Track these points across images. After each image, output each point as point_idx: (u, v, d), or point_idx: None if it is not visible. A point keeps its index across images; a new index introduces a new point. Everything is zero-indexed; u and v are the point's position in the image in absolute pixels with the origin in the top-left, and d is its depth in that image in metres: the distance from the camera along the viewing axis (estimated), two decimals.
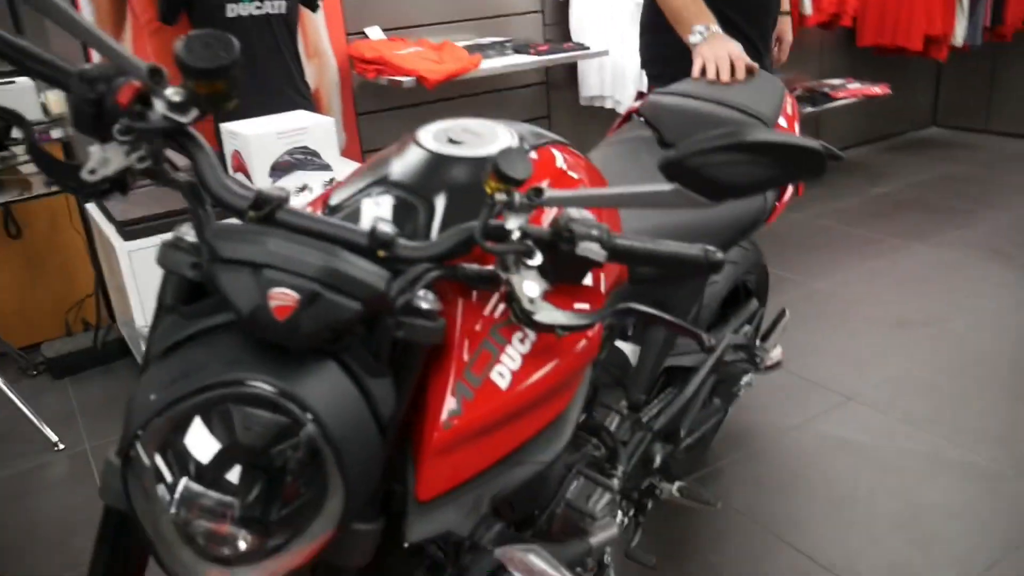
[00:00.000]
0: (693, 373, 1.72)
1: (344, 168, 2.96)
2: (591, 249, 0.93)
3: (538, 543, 1.28)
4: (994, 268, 3.40)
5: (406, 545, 0.99)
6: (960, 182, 4.49)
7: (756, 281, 2.17)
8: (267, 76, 3.13)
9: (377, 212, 1.00)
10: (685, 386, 1.69)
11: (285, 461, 0.84)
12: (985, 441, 2.31)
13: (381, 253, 0.89)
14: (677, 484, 1.72)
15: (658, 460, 1.65)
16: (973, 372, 2.66)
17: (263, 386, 0.83)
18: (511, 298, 0.92)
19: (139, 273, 2.55)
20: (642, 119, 1.79)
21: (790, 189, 1.81)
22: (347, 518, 0.87)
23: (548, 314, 0.94)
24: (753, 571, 1.92)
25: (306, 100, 3.29)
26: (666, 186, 0.90)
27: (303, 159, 3.05)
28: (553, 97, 4.11)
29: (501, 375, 0.97)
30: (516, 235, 0.91)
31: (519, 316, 0.93)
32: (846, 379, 2.67)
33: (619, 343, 1.68)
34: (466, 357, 0.96)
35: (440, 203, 1.01)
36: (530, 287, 0.91)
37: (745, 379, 2.08)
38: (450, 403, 0.94)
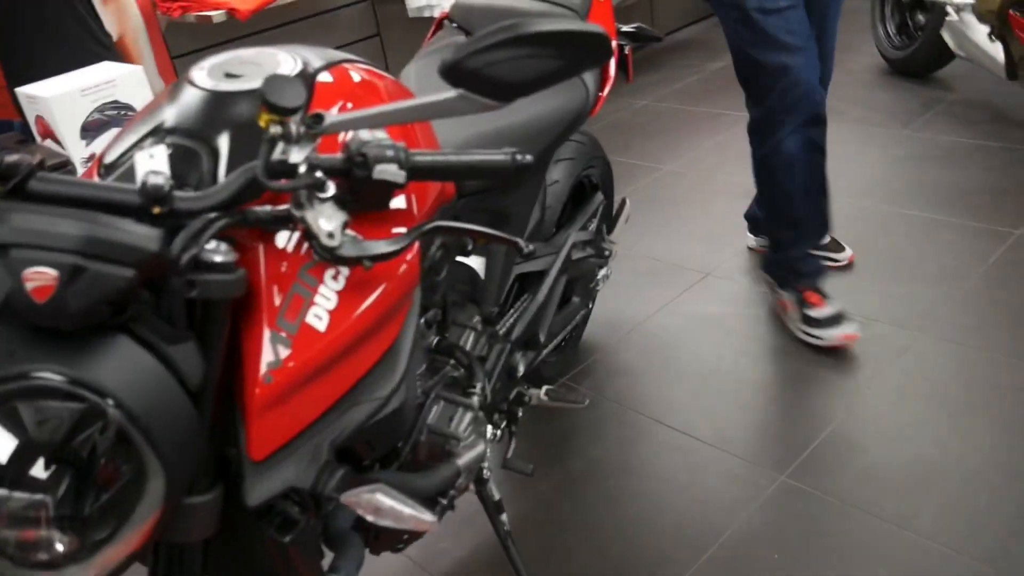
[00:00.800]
0: (544, 277, 1.71)
1: None
2: (389, 171, 0.88)
3: (405, 473, 1.27)
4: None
5: (249, 508, 0.95)
6: None
7: (599, 175, 2.16)
8: (60, 30, 2.85)
9: (151, 165, 0.91)
10: (537, 291, 1.68)
11: (91, 449, 0.77)
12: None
13: (156, 210, 0.81)
14: (545, 388, 1.72)
15: (521, 368, 1.65)
16: None
17: (51, 376, 0.75)
18: (310, 236, 0.86)
19: None
20: (454, 24, 1.72)
21: (611, 78, 1.79)
22: (172, 496, 0.81)
23: (352, 246, 0.89)
24: (634, 456, 1.98)
25: (109, 51, 3.03)
26: (451, 93, 0.85)
27: (116, 115, 2.82)
28: (380, 13, 3.93)
29: (318, 317, 0.92)
30: (303, 168, 0.85)
31: (321, 253, 0.87)
32: (702, 256, 2.74)
33: (464, 259, 1.64)
34: (277, 304, 0.90)
35: (223, 145, 0.93)
36: (327, 221, 0.86)
37: (601, 273, 2.10)
38: (267, 355, 0.89)
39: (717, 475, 1.88)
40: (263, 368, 0.88)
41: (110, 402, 0.76)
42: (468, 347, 1.51)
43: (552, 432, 2.10)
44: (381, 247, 0.89)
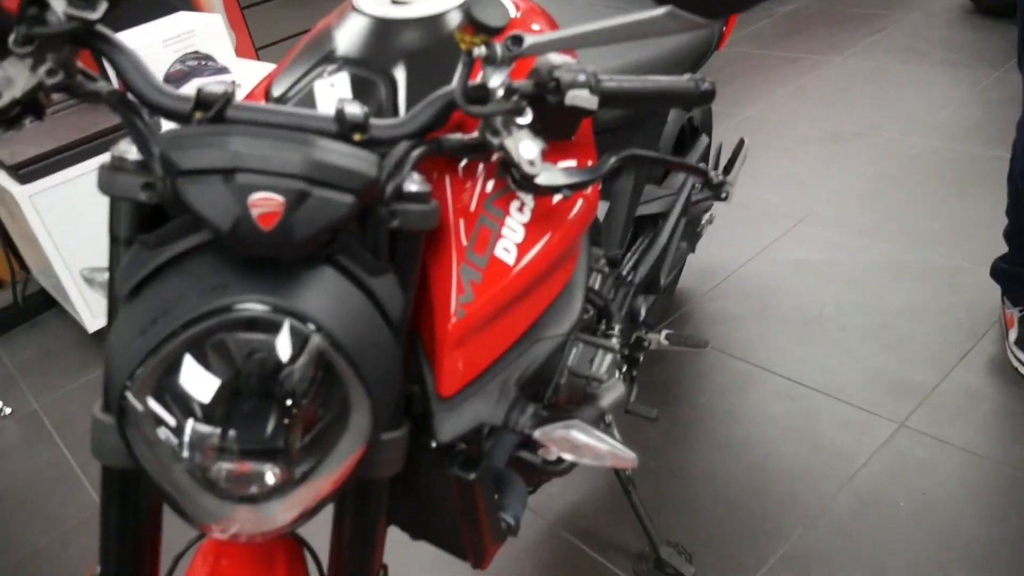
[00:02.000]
0: (662, 219, 1.67)
1: (243, 68, 2.73)
2: (582, 96, 0.84)
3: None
4: (913, 69, 3.41)
5: (434, 446, 0.93)
6: None
7: (700, 117, 2.10)
8: None
9: (335, 93, 0.88)
10: (658, 233, 1.64)
11: (298, 382, 0.75)
12: (938, 240, 2.36)
13: (358, 137, 0.78)
14: (664, 332, 1.69)
15: (643, 312, 1.62)
16: (913, 174, 2.69)
17: (257, 307, 0.73)
18: (508, 164, 0.83)
19: (46, 217, 2.34)
20: None
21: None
22: (377, 429, 0.80)
23: (550, 175, 0.85)
24: (742, 403, 1.95)
25: (183, 1, 3.01)
26: (659, 10, 0.80)
27: (197, 65, 2.80)
28: None
29: (506, 250, 0.89)
30: (500, 93, 0.81)
31: (519, 182, 0.84)
32: (793, 202, 2.67)
33: None
34: (465, 238, 0.88)
35: (401, 74, 0.90)
36: (527, 148, 0.82)
37: (706, 217, 2.05)
38: (459, 290, 0.86)
39: (831, 422, 1.85)
40: (454, 303, 0.86)
41: (315, 330, 0.74)
42: (601, 290, 1.48)
43: (655, 380, 2.07)
44: (580, 175, 0.86)
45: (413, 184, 0.81)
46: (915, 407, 1.84)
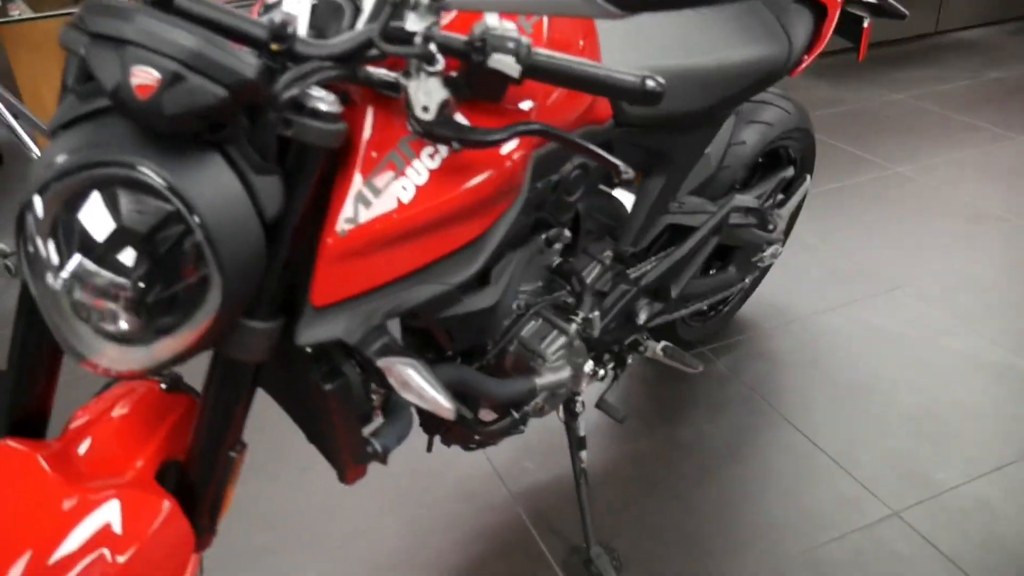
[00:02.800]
0: (691, 232, 1.64)
1: None
2: (504, 62, 0.87)
3: (480, 373, 1.28)
4: None
5: (303, 347, 1.00)
6: None
7: (799, 149, 2.02)
8: None
9: (296, 9, 0.95)
10: (680, 244, 1.61)
11: (167, 249, 0.84)
12: None
13: (275, 47, 0.85)
14: (663, 344, 1.67)
15: (643, 316, 1.60)
16: None
17: (152, 176, 0.82)
18: (407, 106, 0.87)
19: None
20: None
21: (824, 41, 1.65)
22: (225, 310, 0.87)
23: (446, 126, 0.89)
24: (747, 442, 1.89)
25: None
26: None
27: None
28: None
29: (404, 188, 0.93)
30: (419, 39, 0.85)
31: (412, 124, 0.88)
32: (901, 267, 2.51)
33: (617, 192, 1.60)
34: (370, 166, 0.93)
35: (367, 3, 0.95)
36: (426, 95, 0.86)
37: (769, 250, 1.98)
38: (347, 210, 0.92)
39: (827, 490, 1.76)
40: (340, 221, 0.91)
41: (196, 219, 0.81)
42: (590, 279, 1.48)
43: (671, 394, 2.04)
44: (469, 133, 0.89)
45: (323, 103, 0.86)
46: (919, 501, 1.72)
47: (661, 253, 1.63)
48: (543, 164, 1.14)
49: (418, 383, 1.00)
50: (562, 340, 1.33)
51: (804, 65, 1.63)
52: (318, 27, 0.93)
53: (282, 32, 0.84)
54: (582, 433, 1.60)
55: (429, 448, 1.47)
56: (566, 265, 1.41)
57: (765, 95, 1.89)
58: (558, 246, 1.41)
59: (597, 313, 1.48)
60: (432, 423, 1.43)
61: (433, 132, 0.87)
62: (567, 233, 1.42)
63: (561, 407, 1.60)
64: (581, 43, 1.19)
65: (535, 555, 1.64)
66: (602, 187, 1.44)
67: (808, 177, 1.86)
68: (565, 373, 1.34)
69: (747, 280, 1.99)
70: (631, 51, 1.39)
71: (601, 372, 1.62)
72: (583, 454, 1.60)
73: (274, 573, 1.62)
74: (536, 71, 0.88)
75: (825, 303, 2.36)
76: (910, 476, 1.78)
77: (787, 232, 2.19)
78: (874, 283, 2.44)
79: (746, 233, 1.74)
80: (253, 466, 1.84)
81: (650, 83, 0.91)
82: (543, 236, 1.32)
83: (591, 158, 0.99)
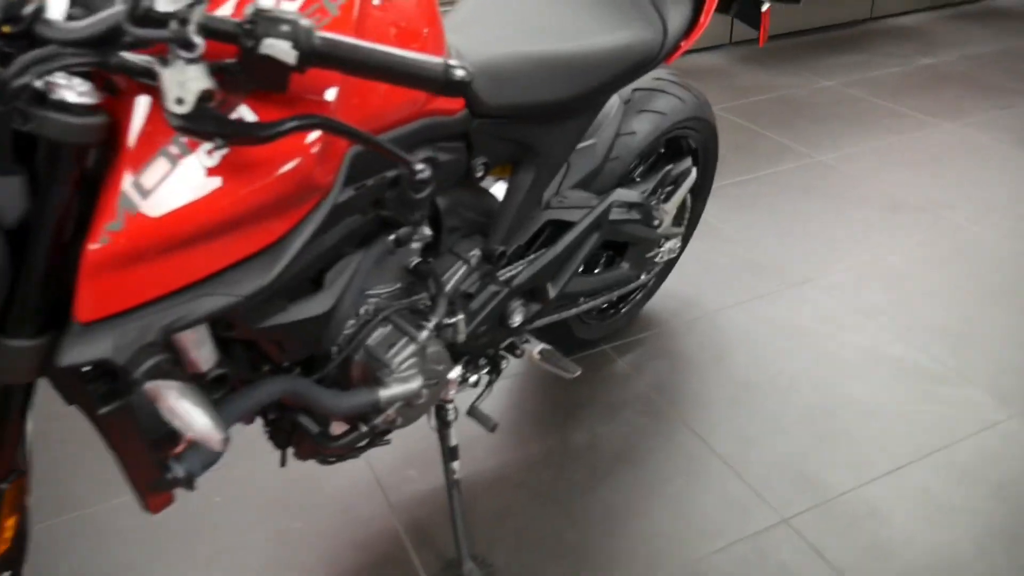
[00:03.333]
0: (569, 228, 1.55)
1: None
2: (279, 48, 0.77)
3: (317, 385, 1.19)
4: (1022, 157, 3.06)
5: (82, 372, 0.90)
6: (1018, 59, 4.02)
7: (700, 141, 1.95)
8: None
9: None
10: (555, 241, 1.53)
11: None
12: (939, 342, 2.11)
13: (6, 28, 0.74)
14: (540, 347, 1.59)
15: (517, 319, 1.52)
16: (954, 267, 2.42)
17: None
18: (161, 96, 0.77)
19: None
20: None
21: (702, 27, 1.57)
22: None
23: (207, 120, 0.79)
24: (641, 446, 1.82)
25: None
26: None
27: None
28: None
29: (179, 189, 0.83)
30: (174, 22, 0.75)
31: (168, 118, 0.78)
32: (813, 259, 2.46)
33: (496, 187, 1.52)
34: (138, 164, 0.82)
35: None
36: (180, 85, 0.76)
37: (667, 246, 1.91)
38: (110, 216, 0.81)
39: (717, 495, 1.69)
40: (103, 229, 0.81)
41: None
42: (454, 280, 1.39)
43: (569, 395, 1.96)
44: (240, 128, 0.79)
45: (70, 93, 0.76)
46: (809, 506, 1.66)
47: (531, 254, 1.54)
48: (364, 160, 1.04)
49: (185, 408, 0.90)
50: (411, 348, 1.24)
51: (681, 51, 1.55)
52: (87, 6, 0.83)
53: (15, 11, 0.73)
54: (454, 442, 1.52)
55: (283, 463, 1.37)
56: (423, 266, 1.32)
57: (659, 83, 1.80)
58: (416, 245, 1.32)
59: (462, 317, 1.40)
60: (280, 437, 1.34)
61: (189, 127, 0.77)
62: (427, 231, 1.33)
63: (433, 415, 1.51)
64: (425, 31, 1.10)
65: (409, 571, 1.56)
66: (482, 181, 1.34)
67: (693, 169, 1.79)
68: (415, 384, 1.25)
69: (644, 277, 1.91)
70: (488, 37, 1.30)
71: (474, 378, 1.53)
72: (455, 465, 1.52)
73: None
74: (319, 58, 0.78)
75: (734, 297, 2.30)
76: (802, 479, 1.72)
77: (692, 225, 2.12)
78: (785, 276, 2.39)
79: (631, 229, 1.66)
80: (115, 480, 1.73)
81: (457, 72, 0.82)
82: (391, 237, 1.23)
83: (380, 152, 0.90)
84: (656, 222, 1.67)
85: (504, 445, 1.83)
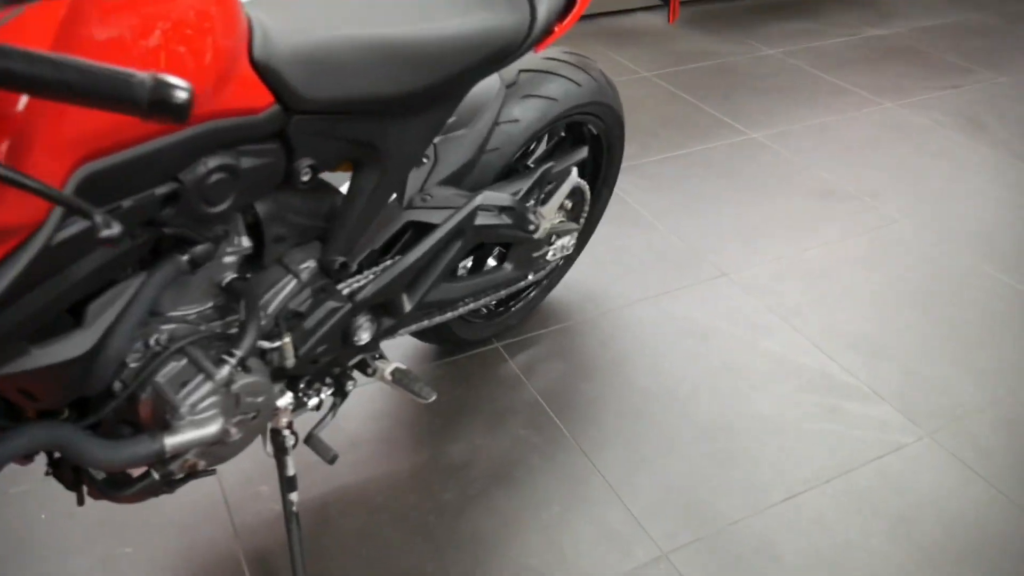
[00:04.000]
0: (428, 233, 1.37)
1: None
2: None
3: (86, 432, 1.01)
4: (963, 141, 2.92)
5: None
6: (972, 34, 3.87)
7: (603, 129, 1.76)
8: None
9: None
10: (408, 250, 1.34)
11: None
12: (853, 351, 1.98)
13: None
14: (393, 367, 1.41)
15: (363, 336, 1.34)
16: (878, 266, 2.28)
17: None
18: None
19: None
20: None
21: (577, 14, 1.37)
22: None
23: None
24: (521, 464, 1.66)
25: None
26: None
27: None
28: None
29: None
30: None
31: None
32: (732, 250, 2.30)
33: (343, 186, 1.32)
34: None
35: None
36: None
37: (557, 244, 1.73)
38: None
39: (595, 526, 1.55)
40: None
41: None
42: (280, 298, 1.21)
43: (450, 402, 1.80)
44: None
45: None
46: (694, 540, 1.52)
47: (384, 262, 1.35)
48: (114, 178, 0.84)
49: None
50: (207, 387, 1.06)
51: (555, 36, 1.35)
52: None
53: None
54: (292, 472, 1.35)
55: (80, 502, 1.19)
56: (238, 283, 1.14)
57: (550, 63, 1.61)
58: (229, 259, 1.13)
59: (288, 339, 1.21)
60: (66, 479, 1.15)
61: None
62: (244, 242, 1.14)
63: (268, 441, 1.34)
64: (212, 9, 0.89)
65: None
66: (311, 184, 1.14)
67: (573, 170, 1.60)
68: (212, 427, 1.07)
69: (533, 277, 1.74)
70: (309, 16, 1.09)
71: (313, 401, 1.35)
72: (294, 496, 1.35)
73: None
74: None
75: (643, 291, 2.14)
76: (691, 507, 1.58)
77: (594, 219, 1.95)
78: (700, 269, 2.23)
79: (503, 233, 1.47)
80: None
81: (177, 94, 0.63)
82: (184, 256, 1.03)
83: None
84: (532, 227, 1.49)
85: (369, 459, 1.66)
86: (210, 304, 1.15)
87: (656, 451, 1.69)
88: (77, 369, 0.95)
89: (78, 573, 1.44)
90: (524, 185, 1.48)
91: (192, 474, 1.15)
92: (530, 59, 1.62)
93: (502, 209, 1.42)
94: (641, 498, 1.60)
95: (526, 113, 1.54)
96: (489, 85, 1.51)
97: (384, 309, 1.37)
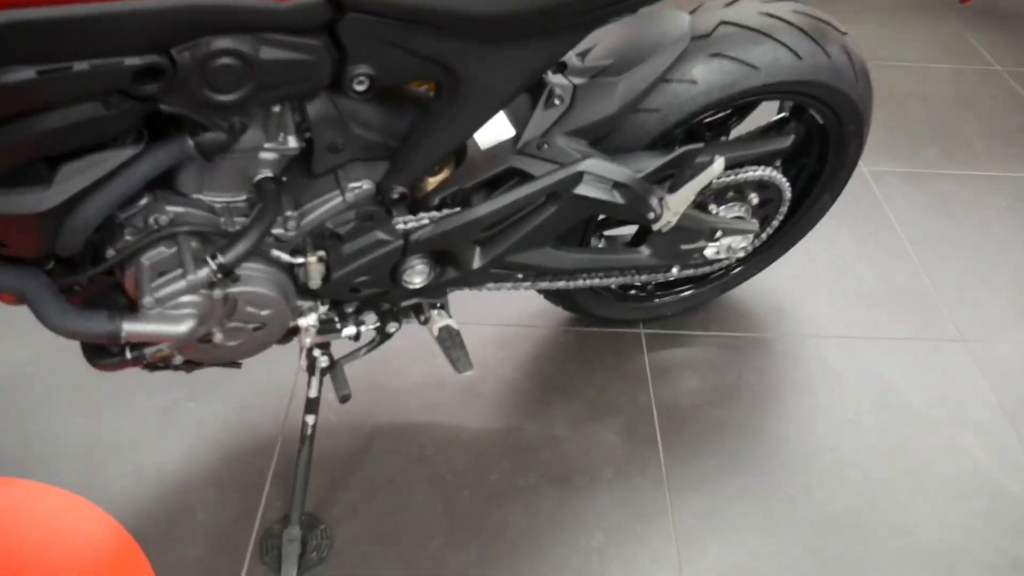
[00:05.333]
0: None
1: None
2: None
3: (58, 297, 0.98)
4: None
5: None
6: None
7: (831, 116, 1.40)
8: None
9: None
10: (488, 200, 1.14)
11: None
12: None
13: None
14: (444, 323, 1.24)
15: (416, 280, 1.18)
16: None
17: None
18: None
19: None
20: None
21: None
22: None
23: None
24: (586, 470, 1.44)
25: None
26: None
27: None
28: None
29: None
30: None
31: None
32: (986, 314, 1.80)
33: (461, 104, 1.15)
34: None
35: None
36: None
37: (724, 241, 1.42)
38: None
39: (635, 574, 1.31)
40: None
41: None
42: (320, 212, 1.08)
43: (553, 378, 1.60)
44: None
45: None
46: None
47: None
48: (47, 35, 0.75)
49: None
50: (180, 285, 0.98)
51: None
52: None
53: None
54: (314, 394, 1.26)
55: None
56: (267, 183, 1.03)
57: (766, 20, 1.27)
58: (268, 156, 1.02)
59: (315, 258, 1.10)
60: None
61: None
62: (291, 142, 1.03)
63: (304, 355, 1.25)
64: None
65: (250, 506, 1.36)
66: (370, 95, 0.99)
67: (717, 159, 1.24)
68: (180, 326, 0.99)
69: (677, 271, 1.46)
70: None
71: (350, 330, 1.23)
72: (310, 419, 1.27)
73: None
74: None
75: (847, 327, 1.74)
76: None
77: (799, 229, 1.59)
78: (933, 322, 1.77)
79: (612, 213, 1.21)
80: None
81: None
82: (190, 140, 0.94)
83: None
84: (651, 214, 1.21)
85: (441, 405, 1.53)
86: (243, 197, 1.06)
87: (750, 521, 1.38)
88: (38, 226, 0.90)
89: (141, 412, 1.49)
90: (655, 163, 1.20)
91: (170, 365, 1.10)
92: (744, 8, 1.29)
93: (615, 184, 1.16)
94: (702, 570, 1.32)
95: (708, 75, 1.24)
96: (671, 28, 1.23)
97: (449, 257, 1.20)
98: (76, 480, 1.40)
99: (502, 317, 1.71)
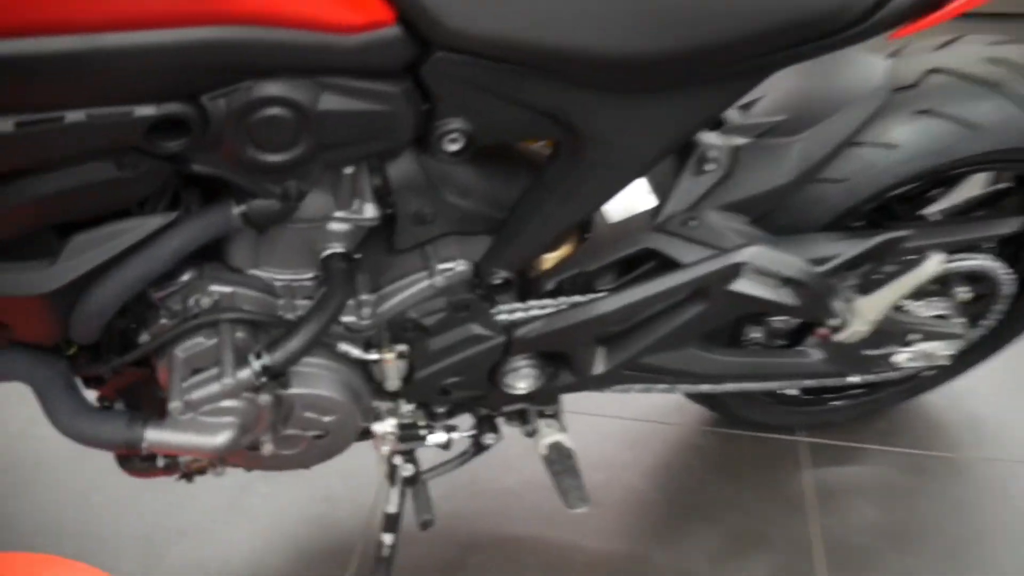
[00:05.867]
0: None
1: None
2: None
3: (67, 392, 0.80)
4: None
5: None
6: None
7: None
8: None
9: None
10: (620, 292, 0.89)
11: None
12: None
13: None
14: (555, 439, 0.99)
15: (520, 385, 0.94)
16: None
17: None
18: None
19: None
20: None
21: None
22: None
23: None
24: None
25: None
26: None
27: None
28: None
29: None
30: None
31: None
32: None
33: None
34: None
35: None
36: None
37: (920, 347, 1.10)
38: None
39: None
40: None
41: None
42: (402, 297, 0.87)
43: (685, 490, 1.32)
44: None
45: None
46: None
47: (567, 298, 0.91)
48: (27, 74, 0.57)
49: None
50: (215, 388, 0.78)
51: (930, 20, 0.74)
52: None
53: None
54: (393, 509, 1.04)
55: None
56: (336, 262, 0.82)
57: (989, 69, 0.96)
58: (338, 227, 0.82)
59: (389, 356, 0.88)
60: None
61: None
62: (368, 212, 0.82)
63: (385, 463, 1.04)
64: None
65: None
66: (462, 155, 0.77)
67: (932, 255, 0.92)
68: (214, 439, 0.79)
69: (858, 379, 1.15)
70: None
71: (439, 437, 1.00)
72: (387, 538, 1.05)
73: None
74: None
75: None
76: None
77: (1014, 327, 1.25)
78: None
79: (778, 314, 0.93)
80: None
81: None
82: (236, 209, 0.74)
83: None
84: (834, 321, 0.92)
85: (536, 508, 1.28)
86: (310, 275, 0.86)
87: None
88: (45, 309, 0.73)
89: (212, 491, 1.32)
90: (844, 252, 0.91)
91: (186, 468, 0.91)
92: (963, 52, 0.99)
93: (786, 280, 0.88)
94: None
95: (913, 138, 0.94)
96: (863, 77, 0.94)
97: (564, 357, 0.95)
98: (133, 567, 1.24)
99: (630, 409, 1.44)
